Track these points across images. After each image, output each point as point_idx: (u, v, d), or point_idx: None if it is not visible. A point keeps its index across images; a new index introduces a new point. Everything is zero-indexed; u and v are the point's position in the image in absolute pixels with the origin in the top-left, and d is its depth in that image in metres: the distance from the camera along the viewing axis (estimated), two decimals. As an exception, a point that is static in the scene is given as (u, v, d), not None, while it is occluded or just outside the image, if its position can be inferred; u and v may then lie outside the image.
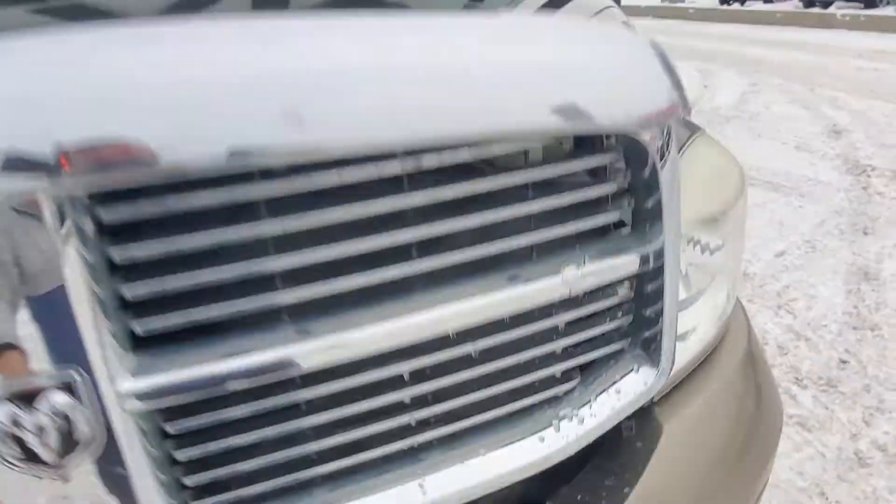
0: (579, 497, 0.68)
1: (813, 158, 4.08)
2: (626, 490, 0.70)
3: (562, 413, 0.69)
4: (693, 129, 0.96)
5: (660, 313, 0.70)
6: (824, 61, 7.50)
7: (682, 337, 0.78)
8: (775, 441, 0.91)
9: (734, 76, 6.84)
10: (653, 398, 0.76)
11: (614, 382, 0.72)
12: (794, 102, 5.54)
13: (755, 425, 0.85)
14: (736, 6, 14.59)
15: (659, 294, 0.69)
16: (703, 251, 0.82)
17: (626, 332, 0.74)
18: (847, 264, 2.76)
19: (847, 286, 2.58)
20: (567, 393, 0.71)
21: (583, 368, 0.73)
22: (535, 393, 0.68)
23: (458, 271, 0.59)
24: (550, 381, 0.69)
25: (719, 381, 0.85)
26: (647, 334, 0.72)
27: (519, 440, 0.67)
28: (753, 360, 0.93)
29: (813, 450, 1.78)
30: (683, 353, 0.79)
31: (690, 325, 0.80)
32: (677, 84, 0.64)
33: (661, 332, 0.71)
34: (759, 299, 2.53)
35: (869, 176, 3.74)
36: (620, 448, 0.74)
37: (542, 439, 0.67)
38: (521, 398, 0.67)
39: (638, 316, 0.72)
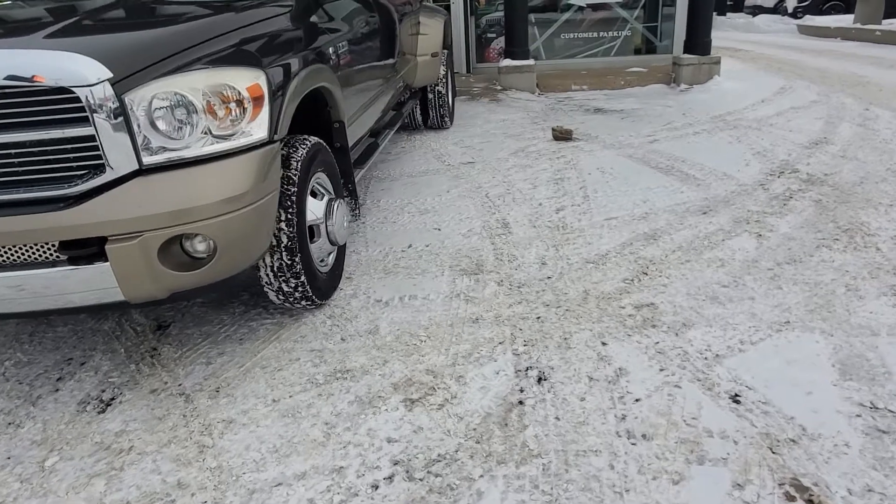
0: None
1: (755, 162, 4.43)
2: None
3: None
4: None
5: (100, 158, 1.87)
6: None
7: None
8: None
9: (807, 93, 6.83)
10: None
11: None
12: (823, 119, 5.61)
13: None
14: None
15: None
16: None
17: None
18: (649, 230, 3.37)
19: (628, 240, 3.24)
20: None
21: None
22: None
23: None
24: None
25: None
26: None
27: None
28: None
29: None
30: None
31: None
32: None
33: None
34: (573, 236, 3.31)
35: (778, 177, 4.07)
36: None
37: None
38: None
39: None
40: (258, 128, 2.18)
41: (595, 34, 9.45)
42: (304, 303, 2.63)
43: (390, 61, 4.50)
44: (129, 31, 2.23)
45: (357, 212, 3.27)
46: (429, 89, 5.88)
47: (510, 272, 2.98)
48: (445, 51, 6.10)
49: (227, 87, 2.07)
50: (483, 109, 7.05)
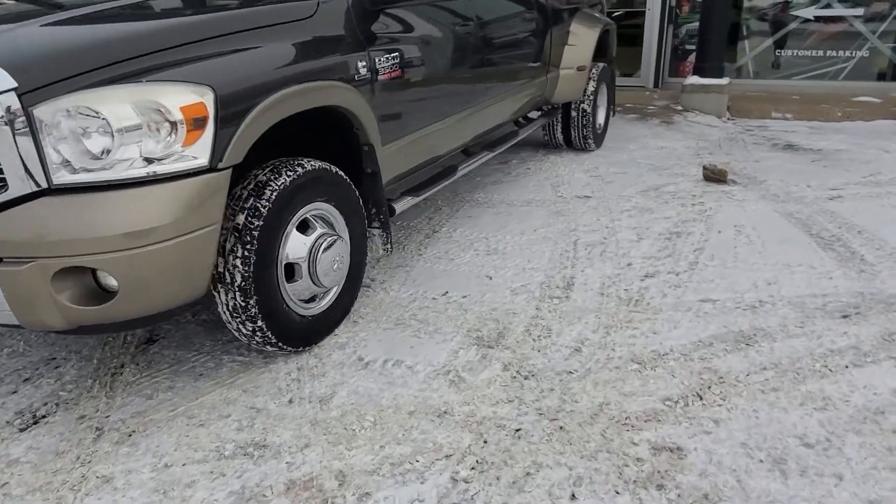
0: None
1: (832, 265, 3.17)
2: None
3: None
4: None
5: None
6: None
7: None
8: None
9: None
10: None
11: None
12: None
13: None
14: None
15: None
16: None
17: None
18: (748, 328, 2.49)
19: (710, 338, 2.42)
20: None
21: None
22: None
23: None
24: None
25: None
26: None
27: None
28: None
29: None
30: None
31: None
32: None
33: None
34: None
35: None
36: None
37: None
38: None
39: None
40: (197, 153, 1.89)
41: (822, 52, 7.87)
42: (269, 348, 2.33)
43: (507, 70, 4.01)
44: (66, 37, 2.04)
45: (389, 247, 2.87)
46: (572, 106, 5.23)
47: (528, 354, 2.37)
48: (601, 64, 5.39)
49: (156, 105, 1.81)
50: (646, 132, 6.18)
